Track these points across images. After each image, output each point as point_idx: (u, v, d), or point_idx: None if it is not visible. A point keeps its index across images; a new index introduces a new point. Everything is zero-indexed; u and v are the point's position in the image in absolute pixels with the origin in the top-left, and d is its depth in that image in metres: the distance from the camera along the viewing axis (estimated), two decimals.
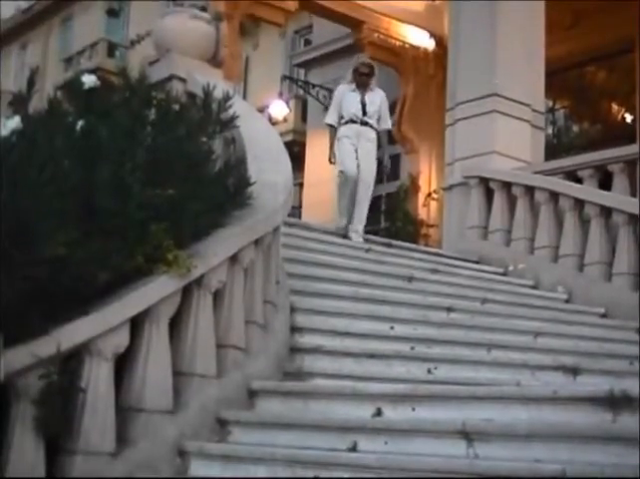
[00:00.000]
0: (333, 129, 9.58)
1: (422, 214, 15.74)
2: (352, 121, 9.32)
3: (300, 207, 18.40)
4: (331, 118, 9.61)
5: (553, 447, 3.82)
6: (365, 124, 9.32)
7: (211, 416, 4.95)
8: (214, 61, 8.03)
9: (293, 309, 6.19)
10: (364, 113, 9.31)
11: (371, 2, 15.95)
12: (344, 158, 9.28)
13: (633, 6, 13.59)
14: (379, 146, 9.75)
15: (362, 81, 9.40)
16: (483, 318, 7.32)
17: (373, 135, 9.43)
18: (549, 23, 11.04)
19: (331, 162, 9.69)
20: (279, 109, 19.86)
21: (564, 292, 8.85)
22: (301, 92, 20.81)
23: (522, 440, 3.93)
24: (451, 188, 10.64)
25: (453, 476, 3.82)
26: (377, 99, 9.44)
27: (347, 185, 9.20)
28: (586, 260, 8.93)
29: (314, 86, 19.53)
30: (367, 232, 9.17)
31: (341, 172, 9.36)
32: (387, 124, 9.73)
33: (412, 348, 6.29)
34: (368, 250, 8.40)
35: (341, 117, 9.43)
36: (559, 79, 13.64)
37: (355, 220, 9.11)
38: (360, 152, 9.24)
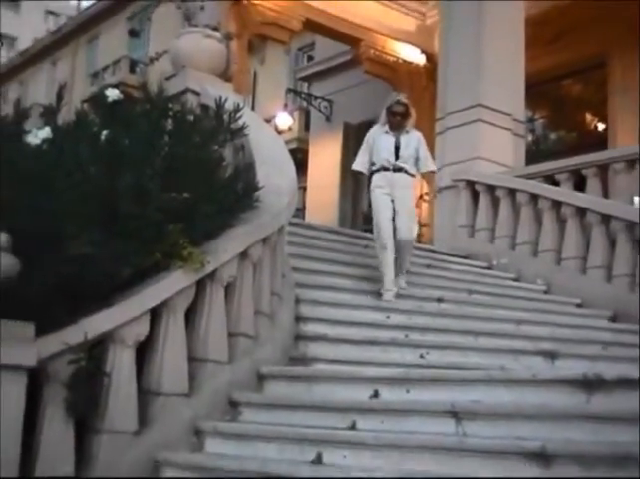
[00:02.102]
0: (363, 175, 7.72)
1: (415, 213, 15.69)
2: (384, 167, 7.45)
3: (304, 208, 18.40)
4: (359, 163, 7.67)
5: (535, 426, 3.82)
6: (398, 169, 7.44)
7: (224, 398, 4.96)
8: (226, 75, 8.03)
9: (298, 301, 6.19)
10: (397, 157, 7.46)
11: (368, 22, 15.97)
12: (378, 219, 7.35)
13: (606, 25, 13.64)
14: None
15: (396, 122, 7.55)
16: (471, 309, 7.32)
17: (408, 181, 7.53)
18: (530, 40, 11.02)
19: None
20: (284, 119, 19.85)
21: (544, 285, 8.84)
22: (304, 103, 20.81)
23: (506, 419, 3.93)
24: (440, 190, 10.62)
25: (443, 452, 3.83)
26: (413, 141, 7.57)
27: (384, 247, 7.25)
28: (563, 256, 8.93)
29: (316, 98, 19.54)
30: (365, 230, 8.84)
31: (376, 239, 7.43)
32: (429, 165, 7.75)
33: (406, 336, 6.29)
34: (366, 247, 8.39)
35: (372, 163, 7.57)
36: (539, 91, 13.62)
37: (396, 269, 7.32)
38: (396, 202, 7.35)
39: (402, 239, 7.27)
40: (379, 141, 7.56)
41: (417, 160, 7.57)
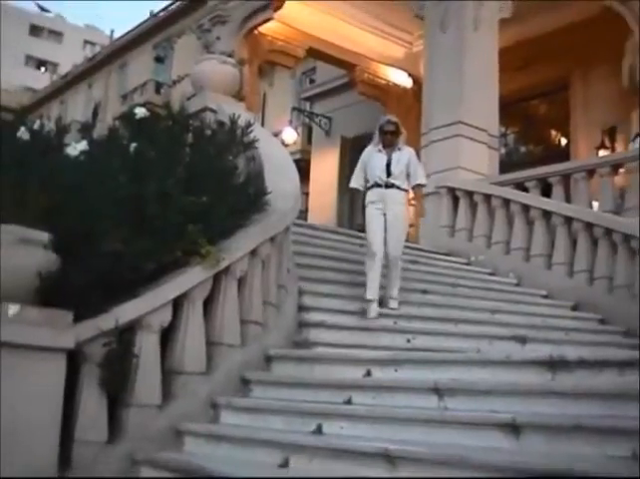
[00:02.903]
0: (360, 192, 7.07)
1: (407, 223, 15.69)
2: (376, 184, 6.82)
3: (306, 211, 18.36)
4: (355, 181, 7.05)
5: (506, 400, 3.82)
6: (390, 186, 6.78)
7: (236, 377, 4.95)
8: (239, 96, 8.02)
9: (301, 293, 6.18)
10: (388, 174, 6.79)
11: (362, 49, 16.00)
12: (369, 230, 6.74)
13: (568, 54, 13.67)
14: None
15: (387, 140, 6.90)
16: (452, 299, 7.29)
17: (400, 197, 6.84)
18: (502, 66, 11.01)
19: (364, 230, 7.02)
20: (290, 134, 19.79)
21: (515, 278, 8.82)
22: (307, 120, 20.77)
23: (482, 395, 3.93)
24: (426, 195, 10.56)
25: (427, 423, 3.83)
26: (404, 157, 6.90)
27: (372, 258, 6.64)
28: (532, 253, 8.91)
29: (317, 115, 19.55)
30: (359, 229, 8.69)
31: (366, 245, 6.83)
32: (419, 179, 7.01)
33: (395, 323, 6.29)
34: (361, 246, 8.37)
35: (367, 180, 6.93)
36: (510, 110, 13.60)
37: (388, 289, 6.68)
38: (388, 217, 6.72)
39: (390, 254, 6.68)
40: (372, 159, 6.93)
41: (408, 176, 6.92)
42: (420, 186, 7.09)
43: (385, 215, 6.74)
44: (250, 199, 5.42)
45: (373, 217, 6.76)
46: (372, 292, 6.51)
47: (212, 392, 4.76)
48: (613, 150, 13.16)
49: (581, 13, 12.90)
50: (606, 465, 3.08)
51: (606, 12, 12.52)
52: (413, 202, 12.57)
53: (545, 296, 8.38)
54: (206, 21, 15.64)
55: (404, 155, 6.94)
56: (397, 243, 6.75)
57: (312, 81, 21.38)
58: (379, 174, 6.83)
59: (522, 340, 6.17)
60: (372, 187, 6.87)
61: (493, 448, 3.48)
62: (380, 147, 6.95)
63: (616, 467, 3.01)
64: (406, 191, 6.92)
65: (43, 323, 3.93)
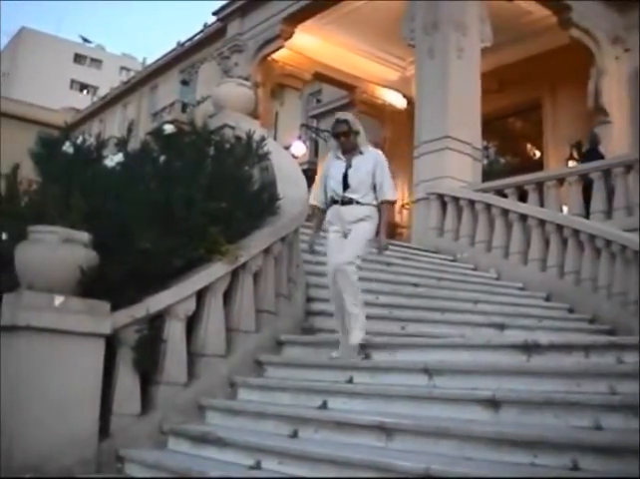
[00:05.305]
0: (318, 210, 5.09)
1: (397, 219, 15.71)
2: (333, 200, 4.84)
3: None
4: (313, 197, 5.16)
5: (487, 379, 3.82)
6: (348, 202, 4.75)
7: (251, 359, 4.96)
8: (254, 114, 8.00)
9: (308, 286, 6.16)
10: (345, 187, 4.77)
11: (361, 73, 16.03)
12: (328, 268, 4.91)
13: (540, 78, 13.66)
14: None
15: (344, 144, 4.85)
16: (439, 291, 7.27)
17: (360, 213, 4.74)
18: (483, 89, 11.02)
19: (311, 251, 5.18)
20: (299, 147, 19.72)
21: (495, 273, 8.79)
22: (314, 135, 20.76)
23: (466, 374, 3.93)
24: (417, 201, 10.58)
25: (418, 399, 3.83)
26: (366, 164, 4.80)
27: (333, 297, 4.90)
28: (510, 251, 8.89)
29: (322, 131, 19.52)
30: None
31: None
32: (385, 194, 4.80)
33: (390, 312, 6.26)
34: None
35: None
36: (491, 126, 13.58)
37: (349, 334, 4.69)
38: (349, 237, 4.79)
39: (336, 263, 4.75)
40: (331, 169, 4.92)
41: (374, 187, 4.81)
42: (388, 202, 4.88)
43: (346, 236, 4.81)
44: (264, 204, 5.42)
45: (330, 252, 4.87)
46: (340, 342, 4.77)
47: (231, 372, 4.76)
48: (580, 161, 13.15)
49: (551, 43, 12.95)
50: (570, 434, 3.08)
51: (573, 42, 12.57)
52: (406, 206, 12.30)
53: (521, 289, 8.35)
54: (226, 49, 15.68)
55: (366, 160, 4.84)
56: (346, 252, 4.74)
57: (318, 101, 21.35)
58: (334, 186, 4.84)
59: (501, 327, 6.16)
60: (330, 203, 4.90)
61: (476, 420, 3.48)
62: (339, 153, 4.93)
63: (578, 435, 3.01)
64: (369, 204, 4.80)
65: (84, 312, 3.95)
